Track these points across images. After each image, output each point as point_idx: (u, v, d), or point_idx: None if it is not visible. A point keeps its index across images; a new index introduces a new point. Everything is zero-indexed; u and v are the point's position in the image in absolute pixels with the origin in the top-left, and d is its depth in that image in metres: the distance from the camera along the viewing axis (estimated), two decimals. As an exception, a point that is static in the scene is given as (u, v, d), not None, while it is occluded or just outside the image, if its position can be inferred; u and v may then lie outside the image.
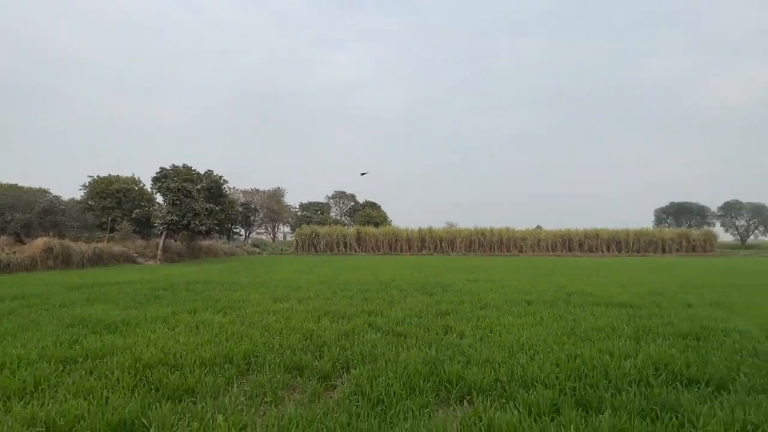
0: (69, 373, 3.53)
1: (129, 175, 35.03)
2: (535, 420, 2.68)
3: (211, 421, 2.64)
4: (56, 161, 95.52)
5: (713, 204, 57.69)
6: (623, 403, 2.86)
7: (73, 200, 32.55)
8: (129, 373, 3.48)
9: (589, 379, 3.33)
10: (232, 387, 3.31)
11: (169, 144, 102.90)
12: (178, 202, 23.80)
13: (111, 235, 26.73)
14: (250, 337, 4.69)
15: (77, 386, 3.20)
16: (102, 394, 3.03)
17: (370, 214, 53.27)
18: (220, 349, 4.16)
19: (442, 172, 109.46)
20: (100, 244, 20.45)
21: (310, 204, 58.44)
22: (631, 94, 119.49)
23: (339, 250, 42.01)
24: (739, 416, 2.62)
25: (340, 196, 64.46)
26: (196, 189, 25.88)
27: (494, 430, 2.56)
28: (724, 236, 55.42)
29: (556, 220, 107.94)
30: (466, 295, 8.30)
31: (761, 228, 56.70)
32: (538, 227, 48.24)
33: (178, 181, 24.99)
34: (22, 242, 20.63)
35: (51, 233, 20.22)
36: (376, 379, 3.34)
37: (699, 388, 3.18)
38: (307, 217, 51.90)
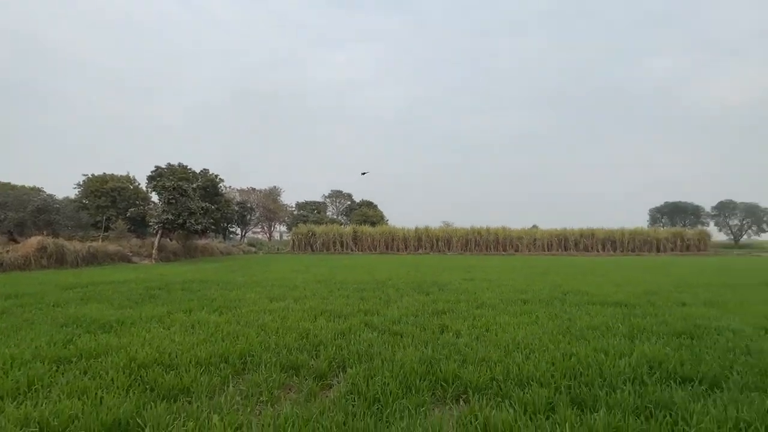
0: (63, 373, 3.50)
1: (124, 173, 34.86)
2: (531, 418, 2.69)
3: (206, 421, 2.63)
4: (56, 161, 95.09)
5: (709, 204, 58.27)
6: (618, 401, 2.88)
7: (67, 199, 32.33)
8: (124, 373, 3.45)
9: (584, 378, 3.35)
10: (228, 386, 3.29)
11: (169, 143, 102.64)
12: (173, 200, 23.66)
13: (106, 234, 26.56)
14: (246, 336, 4.68)
15: (71, 386, 3.17)
16: (96, 394, 3.00)
17: (366, 213, 53.23)
18: (215, 348, 4.15)
19: (441, 172, 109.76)
20: (94, 243, 20.30)
21: (306, 203, 58.31)
22: (631, 94, 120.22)
23: (335, 250, 41.98)
24: (732, 414, 2.64)
25: (336, 195, 64.35)
26: (192, 188, 25.77)
27: (490, 429, 2.57)
28: (718, 236, 56.02)
29: (556, 220, 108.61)
30: (462, 295, 8.32)
31: (754, 228, 57.31)
32: (534, 227, 48.44)
33: (173, 180, 24.85)
34: (16, 241, 20.44)
35: (45, 232, 20.07)
36: (372, 378, 3.34)
37: (693, 387, 3.21)
38: (304, 216, 51.78)
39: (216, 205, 28.19)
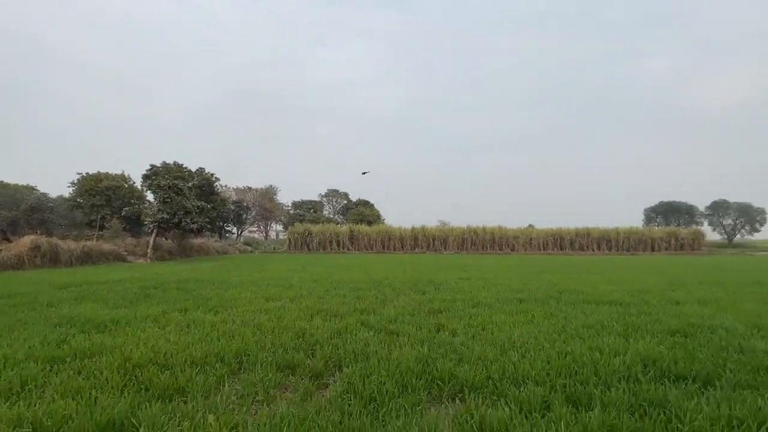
0: (56, 373, 3.47)
1: (119, 172, 34.61)
2: (526, 417, 2.70)
3: (201, 421, 2.62)
4: (56, 161, 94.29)
5: (704, 204, 58.79)
6: (612, 399, 2.90)
7: (61, 197, 32.06)
8: (118, 373, 3.43)
9: (579, 376, 3.37)
10: (224, 386, 3.28)
11: (169, 143, 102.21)
12: (168, 199, 23.52)
13: (100, 233, 26.37)
14: (242, 335, 4.66)
15: (65, 386, 3.15)
16: (90, 394, 2.98)
17: (363, 212, 53.22)
18: (211, 348, 4.13)
19: (441, 172, 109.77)
20: (89, 242, 20.15)
21: (302, 202, 58.20)
22: (630, 94, 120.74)
23: (332, 249, 41.94)
24: (725, 411, 2.67)
25: (333, 194, 64.28)
26: (188, 187, 25.62)
27: (486, 427, 2.58)
28: (712, 235, 56.57)
29: (555, 220, 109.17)
30: (458, 294, 8.34)
31: (747, 227, 57.91)
32: (531, 226, 48.66)
33: (168, 179, 24.70)
34: (9, 240, 20.24)
35: (38, 231, 19.89)
36: (368, 377, 3.34)
37: (686, 384, 3.23)
38: (300, 215, 51.67)
39: (212, 204, 28.04)
